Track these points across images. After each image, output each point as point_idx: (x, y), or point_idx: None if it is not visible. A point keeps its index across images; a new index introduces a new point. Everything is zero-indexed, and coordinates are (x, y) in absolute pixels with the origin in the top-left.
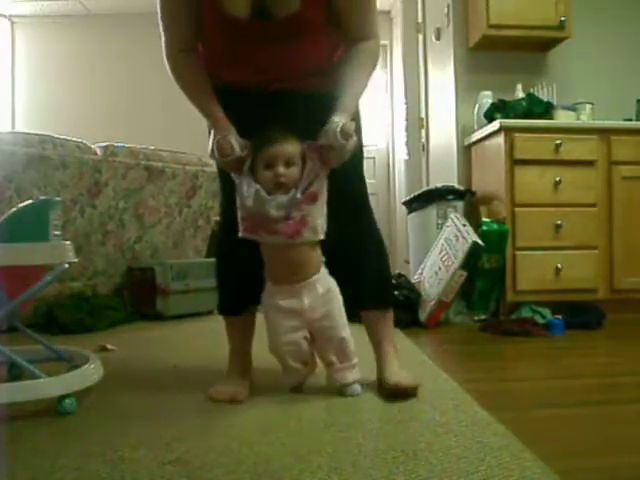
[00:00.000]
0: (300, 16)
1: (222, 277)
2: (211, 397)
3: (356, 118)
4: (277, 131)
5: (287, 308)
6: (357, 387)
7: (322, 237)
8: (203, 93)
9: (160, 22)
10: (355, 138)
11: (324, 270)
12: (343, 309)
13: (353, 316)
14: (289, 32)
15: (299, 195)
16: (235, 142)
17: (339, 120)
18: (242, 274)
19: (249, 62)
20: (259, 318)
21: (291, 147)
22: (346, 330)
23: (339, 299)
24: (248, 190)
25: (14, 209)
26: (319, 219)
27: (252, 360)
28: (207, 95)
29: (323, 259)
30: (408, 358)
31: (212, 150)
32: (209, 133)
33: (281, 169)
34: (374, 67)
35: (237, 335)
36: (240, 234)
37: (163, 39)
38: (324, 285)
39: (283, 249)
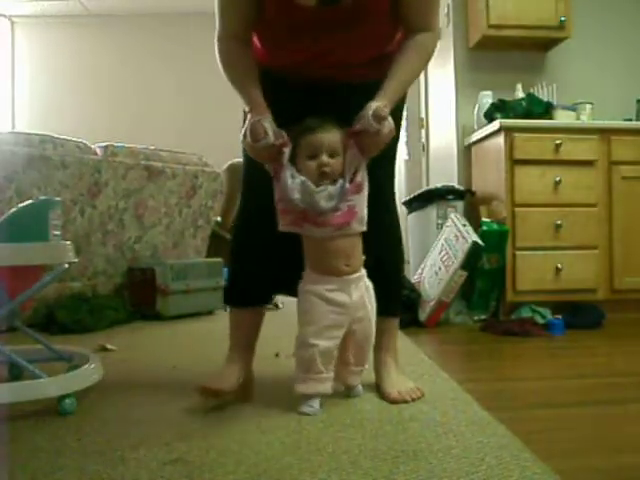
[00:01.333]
0: (367, 1)
1: (239, 261)
2: (198, 389)
3: (397, 113)
4: (318, 120)
5: (335, 301)
6: (360, 388)
7: (365, 228)
8: (247, 77)
9: (217, 4)
10: (392, 122)
11: (363, 269)
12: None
13: None
14: (355, 17)
15: (347, 185)
16: (269, 128)
17: (374, 104)
18: (262, 262)
19: (312, 47)
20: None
21: (333, 136)
22: (373, 336)
23: (374, 301)
24: (293, 182)
25: (14, 209)
26: (364, 210)
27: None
28: (250, 80)
29: (363, 257)
30: (408, 358)
31: (244, 135)
32: (244, 120)
33: (325, 158)
34: (428, 60)
35: (244, 329)
36: (280, 227)
37: (217, 22)
38: (366, 284)
39: (330, 240)
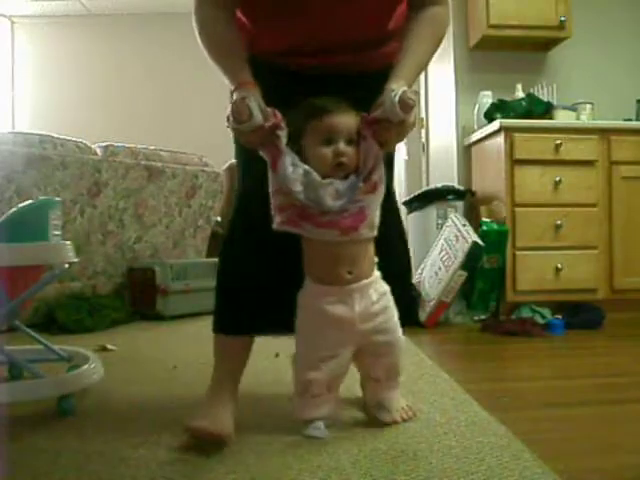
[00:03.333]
0: None
1: (230, 282)
2: (190, 430)
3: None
4: (332, 99)
5: (334, 315)
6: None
7: (376, 234)
8: (231, 51)
9: None
10: (416, 111)
11: (377, 272)
12: (397, 319)
13: None
14: None
15: (361, 183)
16: (255, 107)
17: (397, 87)
18: (258, 282)
19: (301, 25)
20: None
21: (351, 120)
22: (401, 347)
23: (393, 307)
24: (294, 171)
25: (14, 209)
26: (376, 213)
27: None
28: (235, 53)
29: (376, 259)
30: (408, 358)
31: (228, 117)
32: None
33: (343, 146)
34: (442, 37)
35: (231, 361)
36: (275, 226)
37: None
38: (378, 290)
39: (333, 245)
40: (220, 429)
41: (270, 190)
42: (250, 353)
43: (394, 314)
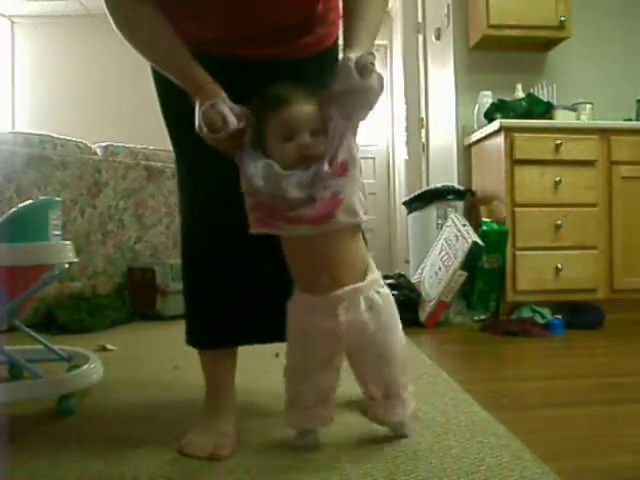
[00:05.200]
0: None
1: (202, 290)
2: (184, 452)
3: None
4: (287, 88)
5: (320, 330)
6: (412, 426)
7: (365, 219)
8: (177, 51)
9: None
10: (381, 74)
11: (373, 275)
12: (399, 329)
13: None
14: None
15: (326, 167)
16: (227, 111)
17: (352, 55)
18: (236, 289)
19: (223, 14)
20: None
21: (313, 108)
22: (400, 362)
23: (393, 314)
24: (255, 166)
25: (14, 209)
26: (355, 195)
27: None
28: (182, 52)
29: (371, 259)
30: (408, 358)
31: (199, 126)
32: (193, 104)
33: (307, 138)
34: (386, 4)
35: (219, 372)
36: (251, 229)
37: None
38: (371, 298)
39: (312, 242)
40: (226, 451)
41: (243, 192)
42: (236, 357)
43: (393, 324)
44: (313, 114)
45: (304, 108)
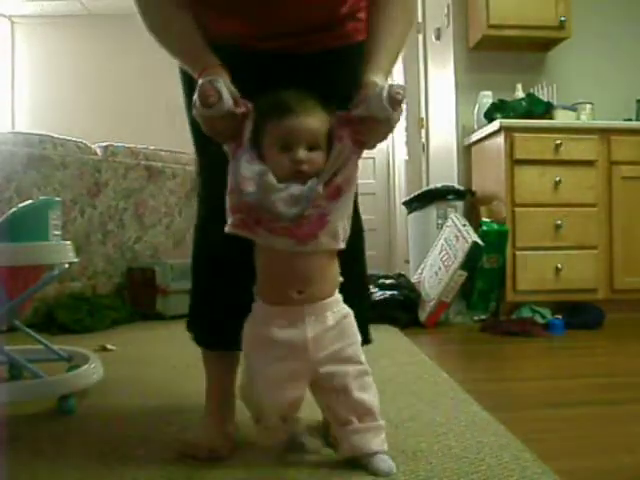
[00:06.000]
0: None
1: (211, 291)
2: (183, 452)
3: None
4: (295, 94)
5: (284, 341)
6: (387, 461)
7: (342, 246)
8: (188, 33)
9: None
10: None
11: (337, 295)
12: (360, 348)
13: None
14: None
15: (320, 188)
16: (224, 90)
17: (381, 82)
18: (244, 289)
19: (255, 9)
20: None
21: (317, 122)
22: (366, 379)
23: (355, 334)
24: (250, 169)
25: (14, 209)
26: (341, 221)
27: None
28: (193, 35)
29: (340, 279)
30: (408, 358)
31: (194, 102)
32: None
33: (302, 154)
34: (411, 24)
35: (222, 373)
36: (227, 229)
37: None
38: (337, 314)
39: (287, 257)
40: (226, 450)
41: (227, 189)
42: (239, 358)
43: (356, 341)
44: (316, 128)
45: (307, 121)
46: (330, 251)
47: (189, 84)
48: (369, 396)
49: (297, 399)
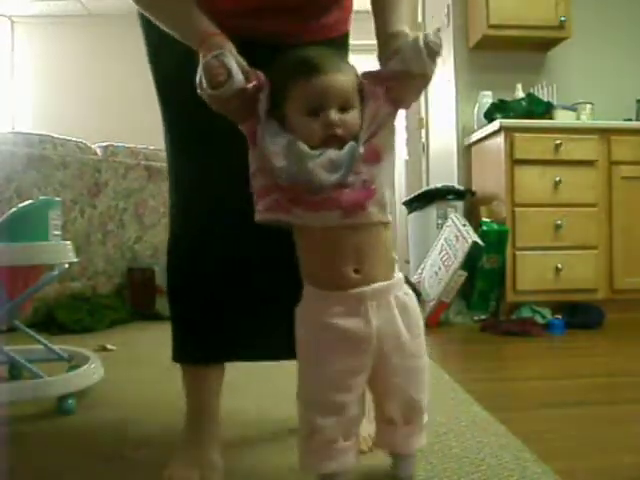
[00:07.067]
0: None
1: (193, 301)
2: None
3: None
4: (320, 53)
5: (345, 331)
6: (411, 468)
7: (390, 219)
8: (185, 6)
9: None
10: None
11: (399, 274)
12: (424, 340)
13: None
14: None
15: (361, 148)
16: (233, 64)
17: (411, 32)
18: (229, 299)
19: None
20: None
21: (347, 79)
22: (425, 377)
23: (420, 324)
24: (274, 142)
25: (14, 209)
26: (386, 189)
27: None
28: (190, 7)
29: (396, 257)
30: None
31: (199, 82)
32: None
33: (335, 115)
34: None
35: (204, 393)
36: (257, 217)
37: None
38: (401, 299)
39: (334, 232)
40: (207, 478)
41: (250, 172)
42: (223, 376)
43: (421, 332)
44: (348, 86)
45: (338, 78)
46: (380, 224)
47: (156, 31)
48: (424, 396)
49: (359, 407)
